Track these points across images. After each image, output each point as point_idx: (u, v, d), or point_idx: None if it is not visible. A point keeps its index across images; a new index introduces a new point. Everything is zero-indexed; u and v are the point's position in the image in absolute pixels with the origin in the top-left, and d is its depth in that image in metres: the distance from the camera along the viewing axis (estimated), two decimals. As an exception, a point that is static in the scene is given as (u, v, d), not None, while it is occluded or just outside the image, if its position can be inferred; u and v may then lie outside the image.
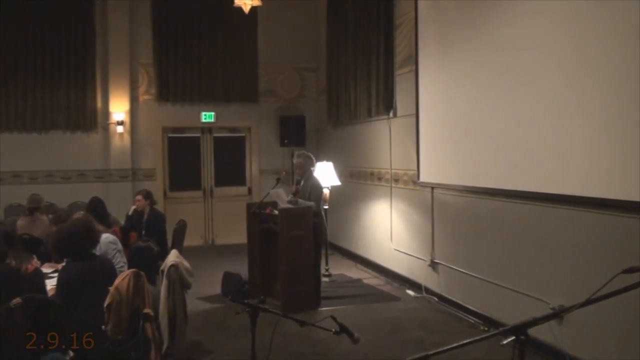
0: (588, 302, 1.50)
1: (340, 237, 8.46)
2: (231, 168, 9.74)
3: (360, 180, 7.77)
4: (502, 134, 4.60)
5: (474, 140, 5.00)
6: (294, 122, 9.03)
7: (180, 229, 6.30)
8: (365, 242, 7.64)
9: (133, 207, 6.24)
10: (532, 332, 1.52)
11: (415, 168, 6.01)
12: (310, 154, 5.89)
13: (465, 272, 5.22)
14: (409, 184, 6.35)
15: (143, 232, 6.16)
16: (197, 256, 7.95)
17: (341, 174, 7.90)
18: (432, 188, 5.79)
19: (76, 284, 3.18)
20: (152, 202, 6.35)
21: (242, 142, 9.77)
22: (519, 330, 1.48)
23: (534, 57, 4.18)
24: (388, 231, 6.88)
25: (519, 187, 4.38)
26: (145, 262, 5.21)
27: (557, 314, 1.57)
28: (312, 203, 5.55)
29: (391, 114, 6.70)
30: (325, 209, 6.57)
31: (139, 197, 6.26)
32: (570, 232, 3.89)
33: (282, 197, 5.64)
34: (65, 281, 3.19)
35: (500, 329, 1.54)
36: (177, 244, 6.02)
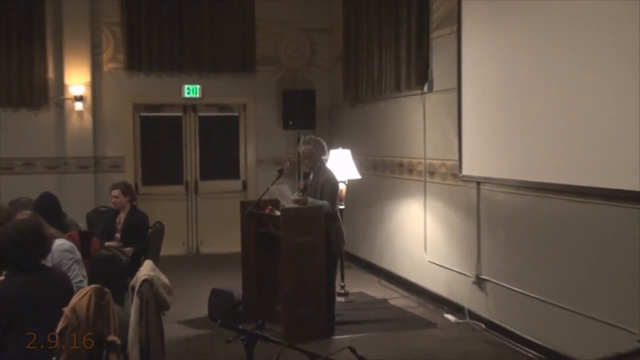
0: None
1: (360, 246, 8.42)
2: (221, 156, 9.72)
3: (385, 173, 7.72)
4: (572, 114, 4.52)
5: (534, 122, 4.92)
6: (301, 98, 8.99)
7: (156, 234, 6.29)
8: (391, 252, 7.60)
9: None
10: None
11: (457, 157, 5.96)
12: (321, 139, 5.84)
13: (522, 291, 5.16)
14: (448, 177, 6.29)
15: (118, 235, 6.14)
16: (177, 268, 7.92)
17: (361, 165, 7.83)
18: (478, 183, 5.73)
19: (19, 303, 3.15)
20: (132, 199, 6.34)
21: (234, 124, 9.74)
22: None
23: (615, 20, 4.09)
24: (421, 238, 6.84)
25: (596, 182, 4.30)
26: (111, 275, 5.21)
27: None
28: (324, 202, 5.52)
29: (426, 88, 6.64)
30: (341, 209, 6.52)
31: (117, 192, 6.24)
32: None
33: (286, 194, 5.61)
34: (5, 299, 3.16)
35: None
36: (152, 252, 6.01)
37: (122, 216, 6.30)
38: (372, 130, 8.10)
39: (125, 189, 6.28)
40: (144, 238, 6.06)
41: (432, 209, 6.67)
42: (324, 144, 5.83)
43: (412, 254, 7.07)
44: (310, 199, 5.53)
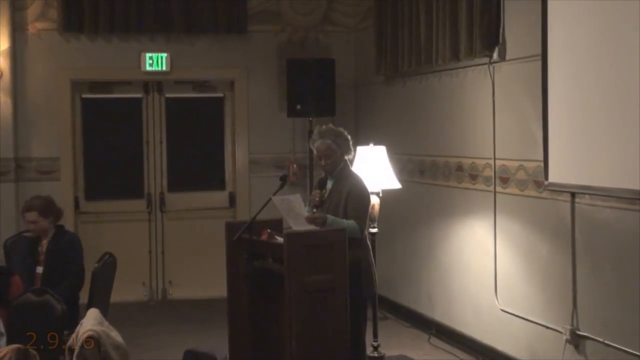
0: None
1: (401, 287, 8.42)
2: (198, 157, 9.77)
3: (437, 180, 7.73)
4: None
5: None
6: (314, 72, 8.98)
7: (105, 271, 6.33)
8: (446, 297, 7.60)
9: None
10: None
11: (541, 157, 5.94)
12: (344, 131, 5.86)
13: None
14: (528, 186, 6.29)
15: (39, 270, 6.23)
16: (135, 320, 7.96)
17: (402, 169, 7.83)
18: (573, 195, 5.71)
19: None
20: (57, 218, 6.41)
21: (218, 109, 9.79)
22: None
23: None
24: (490, 276, 6.83)
25: None
26: (41, 330, 5.24)
27: None
28: (350, 222, 5.53)
29: (496, 56, 6.64)
30: (373, 234, 6.54)
31: (33, 215, 6.28)
32: None
33: (297, 208, 5.61)
34: None
35: None
36: (99, 297, 6.05)
37: (44, 243, 6.36)
38: (418, 117, 8.09)
39: (45, 209, 6.28)
40: (75, 270, 6.14)
41: (505, 232, 6.65)
42: (349, 137, 5.85)
43: (477, 300, 7.05)
44: (330, 217, 5.54)
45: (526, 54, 6.24)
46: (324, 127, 5.87)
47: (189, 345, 6.39)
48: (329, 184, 5.77)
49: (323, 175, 5.88)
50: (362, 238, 5.65)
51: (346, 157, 5.82)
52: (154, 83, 9.57)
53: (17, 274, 6.01)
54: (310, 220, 5.53)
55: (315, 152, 5.88)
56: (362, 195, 5.69)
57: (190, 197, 9.67)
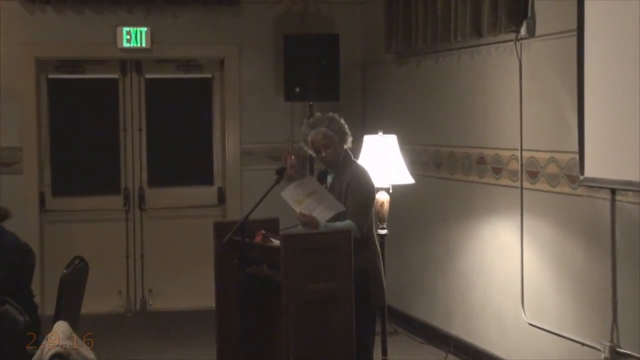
0: None
1: (413, 297, 8.42)
2: (183, 148, 9.78)
3: (455, 175, 7.72)
4: None
5: None
6: (316, 49, 8.99)
7: (75, 278, 6.31)
8: (466, 309, 7.60)
9: None
10: None
11: (575, 148, 5.92)
12: (335, 115, 5.85)
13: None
14: (560, 181, 6.28)
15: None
16: (110, 334, 7.95)
17: (416, 161, 7.82)
18: (613, 191, 5.69)
19: None
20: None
21: (205, 92, 9.80)
22: None
23: None
24: (516, 285, 6.83)
25: None
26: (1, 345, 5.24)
27: None
28: (347, 222, 5.53)
29: (524, 31, 6.62)
30: (383, 236, 6.52)
31: None
32: None
33: (321, 189, 5.59)
34: None
35: None
36: (68, 308, 6.04)
37: None
38: (434, 101, 8.09)
39: None
40: (14, 276, 6.16)
41: (533, 234, 6.64)
42: (342, 121, 5.83)
43: (502, 312, 7.05)
44: (322, 224, 5.51)
45: (559, 29, 6.22)
46: (322, 115, 5.87)
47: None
48: (330, 178, 5.77)
49: (323, 168, 5.87)
50: (369, 239, 5.64)
51: (345, 147, 5.81)
52: (132, 62, 9.57)
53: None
54: (302, 220, 5.55)
55: (310, 146, 5.85)
56: (362, 187, 5.69)
57: (174, 193, 9.68)
